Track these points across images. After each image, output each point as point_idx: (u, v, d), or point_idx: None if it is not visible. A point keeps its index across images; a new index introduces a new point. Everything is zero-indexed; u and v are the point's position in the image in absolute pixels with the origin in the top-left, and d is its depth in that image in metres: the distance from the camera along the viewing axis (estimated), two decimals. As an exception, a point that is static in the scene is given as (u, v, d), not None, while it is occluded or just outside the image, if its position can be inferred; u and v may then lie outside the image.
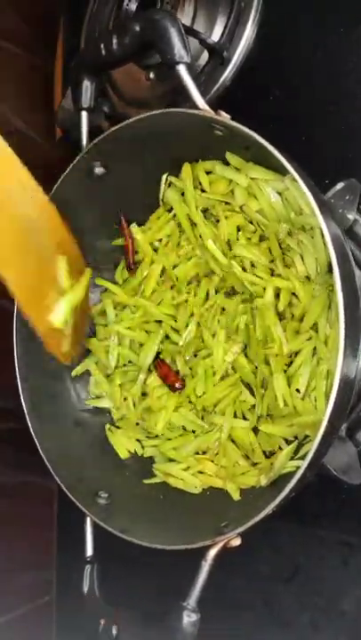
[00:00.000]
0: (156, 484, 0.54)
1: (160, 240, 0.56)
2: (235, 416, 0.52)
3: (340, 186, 0.50)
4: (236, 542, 0.42)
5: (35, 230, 0.40)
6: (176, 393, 0.54)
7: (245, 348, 0.51)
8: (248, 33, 0.57)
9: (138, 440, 0.56)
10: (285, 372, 0.48)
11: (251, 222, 0.51)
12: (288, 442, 0.49)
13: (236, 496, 0.49)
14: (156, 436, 0.56)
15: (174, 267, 0.55)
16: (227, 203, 0.51)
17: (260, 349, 0.49)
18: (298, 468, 0.39)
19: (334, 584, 0.53)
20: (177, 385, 0.53)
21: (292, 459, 0.47)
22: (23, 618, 0.70)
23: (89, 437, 0.56)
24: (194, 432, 0.54)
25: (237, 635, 0.58)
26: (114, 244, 0.58)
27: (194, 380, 0.53)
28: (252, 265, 0.50)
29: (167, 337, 0.55)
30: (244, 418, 0.52)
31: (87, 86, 0.52)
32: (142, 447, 0.56)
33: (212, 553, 0.42)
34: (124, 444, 0.56)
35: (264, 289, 0.49)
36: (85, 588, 0.49)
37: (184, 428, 0.55)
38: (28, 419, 0.51)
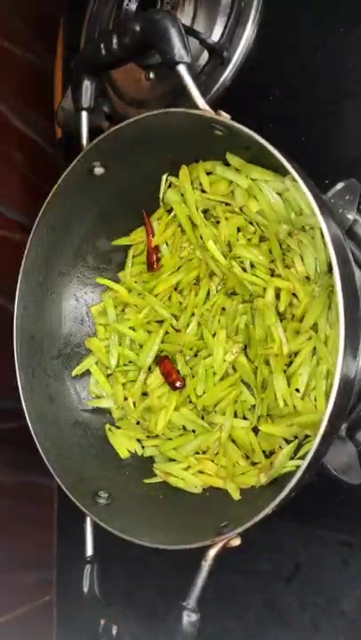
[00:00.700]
0: (157, 483, 0.54)
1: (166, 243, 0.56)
2: (235, 416, 0.52)
3: (340, 186, 0.50)
4: (236, 542, 0.42)
5: None
6: (176, 392, 0.54)
7: (246, 347, 0.51)
8: (248, 33, 0.57)
9: (138, 440, 0.56)
10: (285, 371, 0.48)
11: (251, 223, 0.51)
12: (288, 442, 0.49)
13: (236, 496, 0.49)
14: (157, 436, 0.56)
15: (178, 267, 0.55)
16: (227, 203, 0.51)
17: (261, 349, 0.49)
18: (298, 467, 0.39)
19: (334, 584, 0.53)
20: (177, 384, 0.53)
21: (292, 458, 0.47)
22: (23, 618, 0.70)
23: (89, 437, 0.56)
24: (194, 432, 0.54)
25: (237, 635, 0.58)
26: (114, 244, 0.58)
27: (194, 380, 0.53)
28: (252, 265, 0.50)
29: (167, 334, 0.56)
30: (245, 418, 0.52)
31: (87, 86, 0.52)
32: (142, 447, 0.56)
33: (212, 553, 0.42)
34: (124, 443, 0.56)
35: (264, 289, 0.49)
36: (85, 588, 0.49)
37: (184, 428, 0.55)
38: (27, 419, 0.51)
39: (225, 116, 0.43)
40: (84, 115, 0.52)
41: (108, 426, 0.57)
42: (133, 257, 0.58)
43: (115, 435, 0.57)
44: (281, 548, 0.56)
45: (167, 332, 0.55)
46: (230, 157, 0.49)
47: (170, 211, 0.55)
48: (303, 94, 0.55)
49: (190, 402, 0.54)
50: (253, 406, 0.51)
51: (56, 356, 0.57)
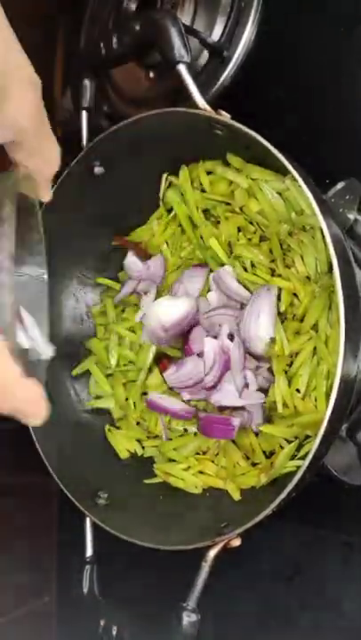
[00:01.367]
0: (156, 484, 0.54)
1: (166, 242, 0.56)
2: (235, 416, 0.52)
3: (340, 186, 0.50)
4: (236, 543, 0.42)
5: None
6: (176, 392, 0.54)
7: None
8: (248, 33, 0.57)
9: (138, 440, 0.56)
10: (286, 372, 0.48)
11: (251, 223, 0.51)
12: (289, 442, 0.49)
13: (236, 496, 0.49)
14: (157, 436, 0.56)
15: (178, 267, 0.55)
16: (227, 203, 0.51)
17: (261, 349, 0.49)
18: (298, 468, 0.39)
19: (334, 584, 0.53)
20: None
21: (292, 459, 0.47)
22: (23, 618, 0.70)
23: (89, 437, 0.56)
24: (195, 432, 0.54)
25: (237, 635, 0.58)
26: (114, 244, 0.58)
27: (194, 380, 0.53)
28: (253, 265, 0.50)
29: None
30: (245, 418, 0.52)
31: (87, 86, 0.52)
32: (142, 447, 0.56)
33: (212, 553, 0.42)
34: (124, 444, 0.56)
35: (264, 289, 0.49)
36: (85, 588, 0.49)
37: (185, 429, 0.55)
38: (28, 419, 0.51)
39: (225, 116, 0.43)
40: (84, 114, 0.52)
41: (107, 426, 0.57)
42: (133, 257, 0.58)
43: (115, 435, 0.57)
44: (281, 549, 0.56)
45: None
46: (230, 157, 0.49)
47: (170, 210, 0.55)
48: (303, 94, 0.55)
49: (190, 402, 0.54)
50: (253, 406, 0.51)
51: (56, 356, 0.57)
